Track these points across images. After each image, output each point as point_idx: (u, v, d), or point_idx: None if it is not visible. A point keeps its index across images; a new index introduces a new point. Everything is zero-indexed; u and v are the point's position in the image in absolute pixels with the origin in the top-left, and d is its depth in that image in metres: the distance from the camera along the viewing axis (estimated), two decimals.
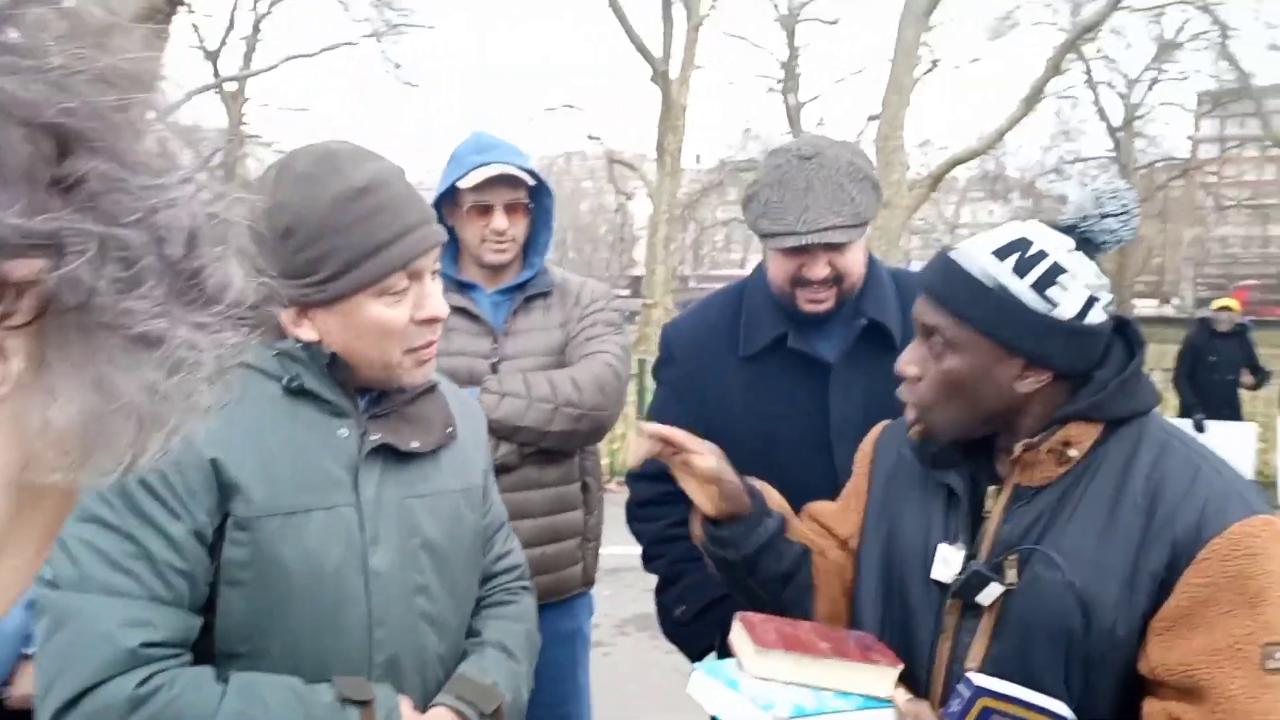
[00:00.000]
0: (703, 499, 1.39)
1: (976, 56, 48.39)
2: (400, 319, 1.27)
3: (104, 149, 0.40)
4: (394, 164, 1.32)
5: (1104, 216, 1.23)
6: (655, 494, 1.95)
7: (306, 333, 1.27)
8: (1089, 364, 1.23)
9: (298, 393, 1.27)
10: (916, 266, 2.20)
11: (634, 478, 2.01)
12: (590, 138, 33.36)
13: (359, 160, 1.27)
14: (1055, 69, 17.59)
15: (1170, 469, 1.18)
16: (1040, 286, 1.20)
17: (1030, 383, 1.22)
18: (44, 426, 0.41)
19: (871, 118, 24.55)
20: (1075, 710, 1.14)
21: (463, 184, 2.11)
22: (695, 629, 1.94)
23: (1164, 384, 8.03)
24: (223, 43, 25.72)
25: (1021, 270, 1.20)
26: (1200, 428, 7.38)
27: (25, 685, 1.75)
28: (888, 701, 1.23)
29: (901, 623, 1.34)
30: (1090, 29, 18.06)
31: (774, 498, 1.48)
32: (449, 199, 2.17)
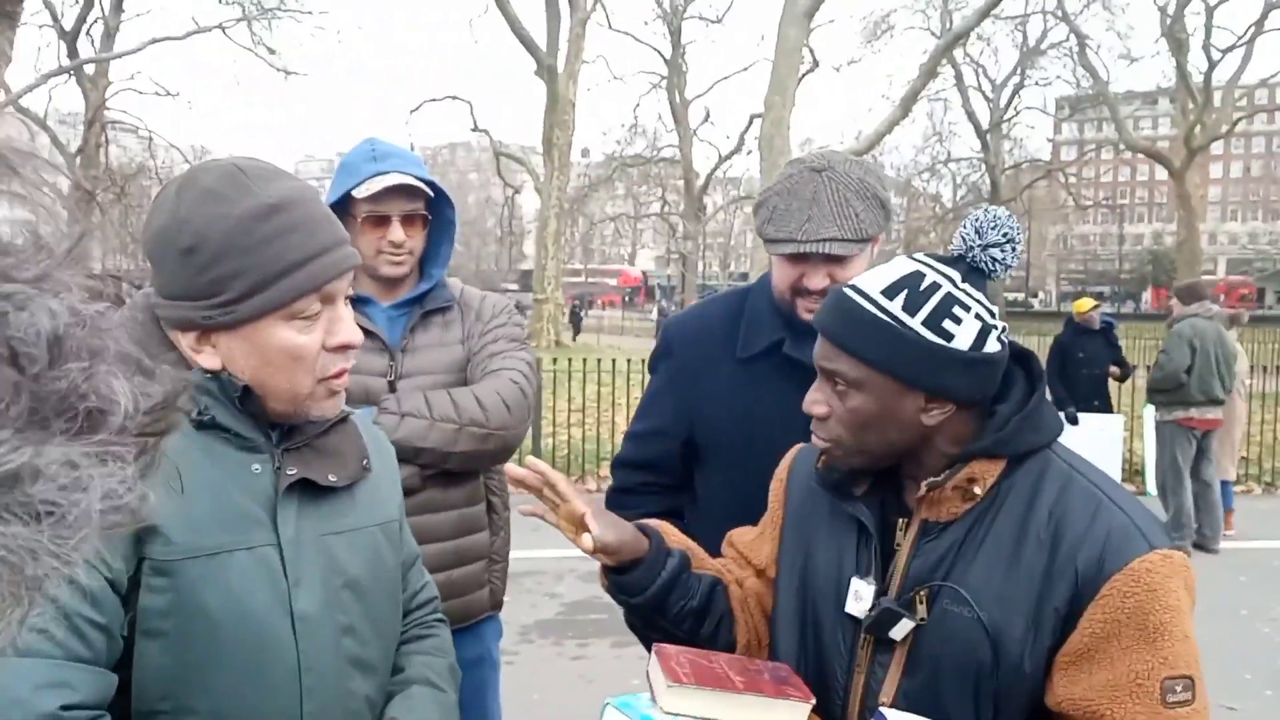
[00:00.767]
0: (574, 539, 1.38)
1: (855, 58, 49.64)
2: (312, 345, 1.21)
3: None
4: (306, 183, 1.25)
5: (986, 246, 1.25)
6: (634, 483, 1.98)
7: (208, 359, 1.20)
8: (989, 393, 1.26)
9: (209, 426, 1.19)
10: None
11: (619, 464, 2.03)
12: (475, 129, 32.81)
13: (269, 178, 1.20)
14: (930, 74, 18.26)
15: (1072, 505, 1.21)
16: (933, 321, 1.21)
17: (935, 415, 1.24)
18: None
19: (755, 116, 24.99)
20: None
21: (358, 193, 2.02)
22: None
23: None
24: (80, 20, 24.18)
25: (913, 306, 1.22)
26: (1073, 420, 7.76)
27: None
28: None
29: (816, 655, 1.35)
30: (961, 36, 18.82)
31: (673, 535, 1.47)
32: (340, 208, 2.07)
